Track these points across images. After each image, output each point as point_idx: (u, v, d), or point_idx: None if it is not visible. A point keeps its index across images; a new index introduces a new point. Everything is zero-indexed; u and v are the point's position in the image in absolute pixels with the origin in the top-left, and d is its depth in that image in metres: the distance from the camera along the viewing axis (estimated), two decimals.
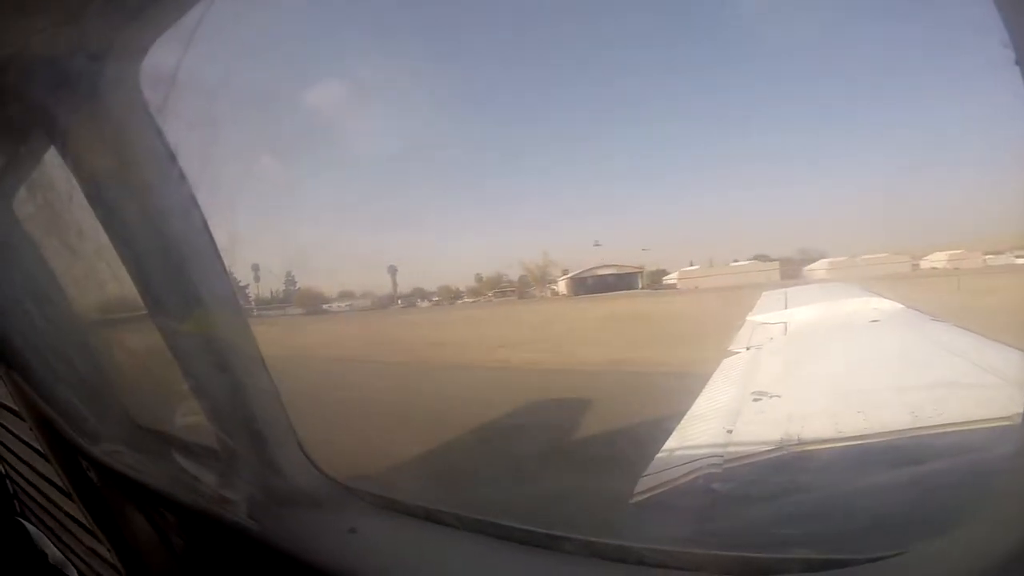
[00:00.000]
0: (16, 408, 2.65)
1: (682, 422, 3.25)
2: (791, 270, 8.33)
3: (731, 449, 2.64)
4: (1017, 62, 0.96)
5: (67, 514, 2.77)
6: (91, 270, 2.37)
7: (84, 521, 2.64)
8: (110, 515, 2.51)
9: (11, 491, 3.26)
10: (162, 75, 1.79)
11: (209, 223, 1.90)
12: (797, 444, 2.53)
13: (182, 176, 1.81)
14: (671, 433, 3.05)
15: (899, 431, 2.44)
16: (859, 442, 2.43)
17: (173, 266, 1.87)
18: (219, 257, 1.90)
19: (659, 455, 2.76)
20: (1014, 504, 1.06)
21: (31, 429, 2.63)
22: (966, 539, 1.12)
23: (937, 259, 7.82)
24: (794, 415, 2.90)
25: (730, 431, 2.87)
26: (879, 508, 1.86)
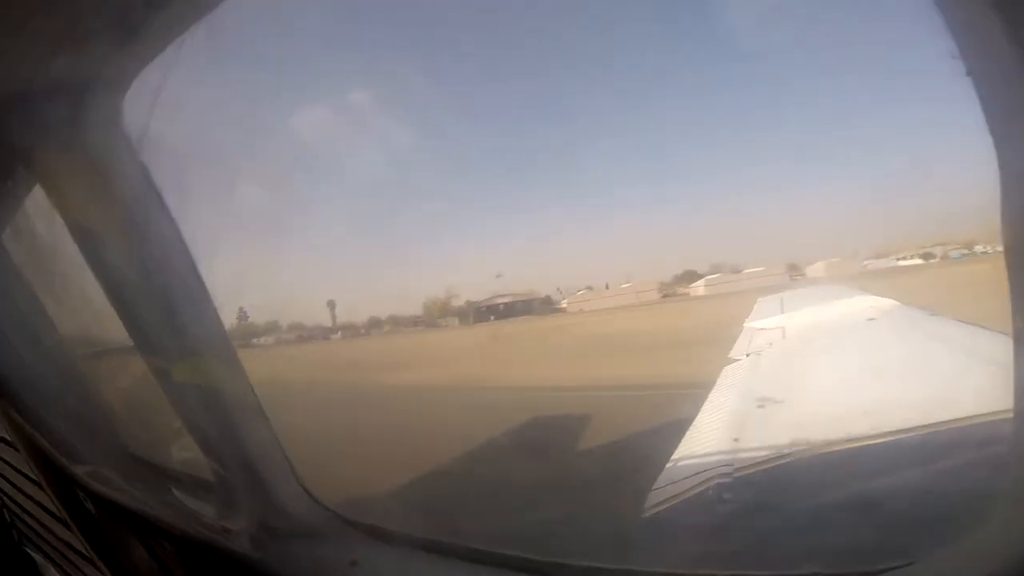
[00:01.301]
0: (10, 438, 2.62)
1: (687, 433, 3.21)
2: (670, 289, 9.00)
3: (740, 457, 2.60)
4: (969, 73, 0.96)
5: (66, 543, 2.74)
6: (83, 303, 2.34)
7: (83, 550, 2.60)
8: (108, 545, 2.47)
9: (8, 520, 3.23)
10: (145, 108, 1.79)
11: (195, 256, 1.88)
12: (805, 449, 2.49)
13: (165, 210, 1.79)
14: (677, 445, 3.02)
15: (908, 429, 2.41)
16: (868, 443, 2.40)
17: (159, 301, 1.85)
18: (206, 290, 1.88)
19: (667, 467, 2.72)
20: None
21: (26, 460, 2.59)
22: (984, 541, 1.09)
23: (817, 269, 8.07)
24: (800, 420, 2.87)
25: (737, 440, 2.83)
26: (894, 512, 1.83)
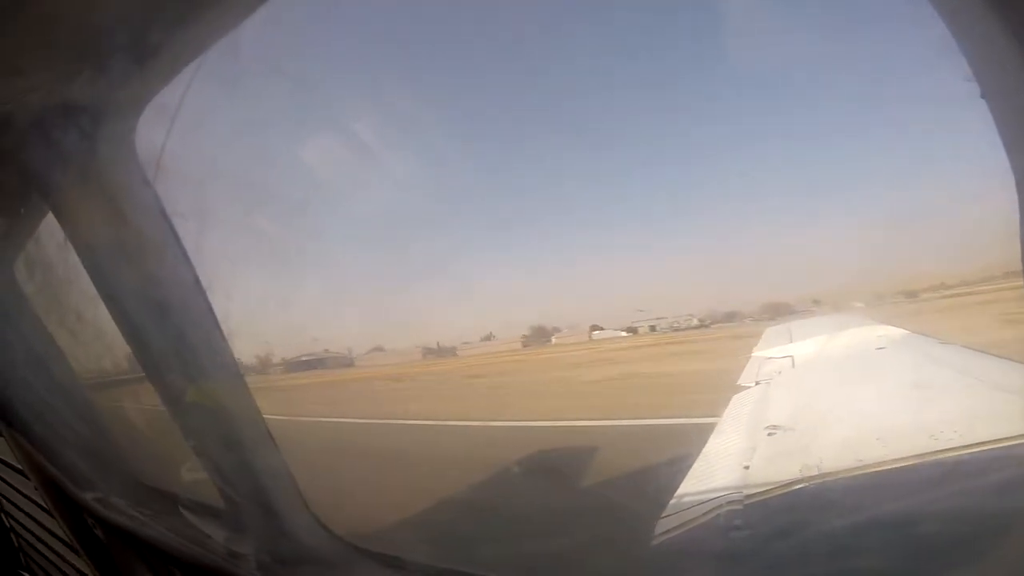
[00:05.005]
0: (20, 466, 2.64)
1: (696, 462, 3.17)
2: (445, 353, 10.70)
3: (750, 485, 2.57)
4: (983, 95, 0.97)
5: (75, 568, 2.73)
6: (94, 332, 2.37)
7: None
8: (116, 571, 2.46)
9: (16, 544, 3.22)
10: (159, 132, 1.81)
11: (206, 284, 1.89)
12: (817, 476, 2.46)
13: (177, 238, 1.80)
14: (686, 474, 2.98)
15: (921, 455, 2.38)
16: (881, 468, 2.37)
17: (170, 329, 1.86)
18: (216, 321, 1.89)
19: (676, 496, 2.69)
20: None
21: (36, 488, 2.60)
22: (1001, 564, 1.08)
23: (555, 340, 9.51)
24: (811, 447, 2.83)
25: (747, 467, 2.79)
26: (909, 537, 1.80)
